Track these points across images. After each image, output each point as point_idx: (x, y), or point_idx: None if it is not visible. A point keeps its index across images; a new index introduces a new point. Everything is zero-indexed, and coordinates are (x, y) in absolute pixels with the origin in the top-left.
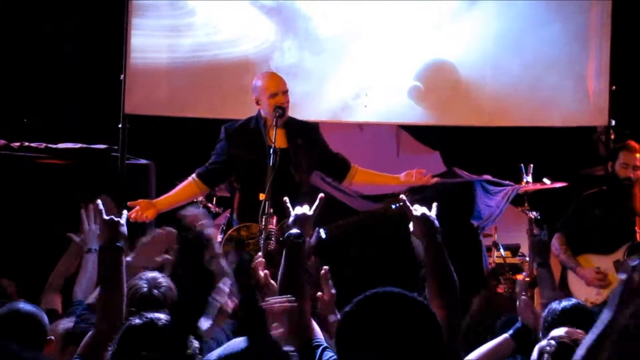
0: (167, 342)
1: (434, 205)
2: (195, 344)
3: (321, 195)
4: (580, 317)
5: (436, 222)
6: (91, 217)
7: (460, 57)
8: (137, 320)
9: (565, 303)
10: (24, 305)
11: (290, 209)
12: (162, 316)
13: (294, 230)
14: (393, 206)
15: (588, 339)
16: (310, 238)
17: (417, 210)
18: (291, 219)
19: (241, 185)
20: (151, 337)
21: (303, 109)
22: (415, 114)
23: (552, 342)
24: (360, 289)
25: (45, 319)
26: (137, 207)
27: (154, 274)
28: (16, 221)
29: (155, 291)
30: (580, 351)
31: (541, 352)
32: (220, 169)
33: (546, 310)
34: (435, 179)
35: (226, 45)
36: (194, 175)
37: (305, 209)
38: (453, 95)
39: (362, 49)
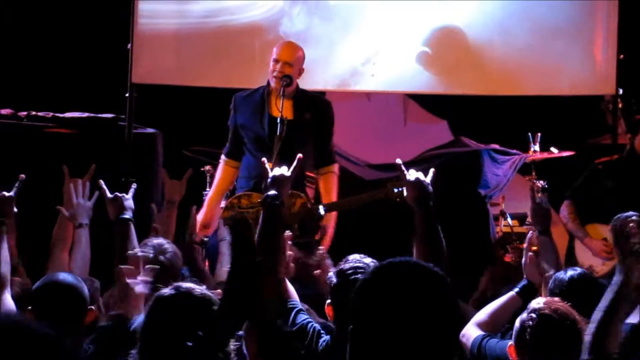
0: (199, 311)
1: (431, 170)
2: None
3: (299, 155)
4: (587, 286)
5: (429, 188)
6: (79, 191)
7: (468, 22)
8: (168, 291)
9: (571, 272)
10: (65, 276)
11: (269, 170)
12: (193, 286)
13: (272, 192)
14: (395, 190)
15: (598, 313)
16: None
17: (412, 174)
18: (269, 180)
19: (250, 154)
20: (183, 307)
21: (311, 76)
22: (423, 83)
23: (533, 315)
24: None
25: (85, 289)
26: (200, 222)
27: (160, 240)
28: (23, 191)
29: (162, 257)
30: (592, 325)
31: (523, 326)
32: (238, 140)
33: (552, 280)
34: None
35: (236, 11)
36: (223, 157)
37: (283, 170)
38: (461, 61)
39: (371, 15)
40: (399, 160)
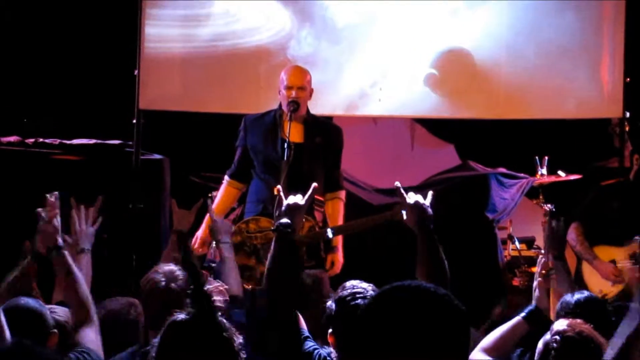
0: (214, 337)
1: (429, 193)
2: (240, 339)
3: (314, 184)
4: (593, 309)
5: (429, 210)
6: (82, 218)
7: (475, 44)
8: (182, 316)
9: (578, 296)
10: (26, 301)
11: (283, 198)
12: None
13: (284, 220)
14: (404, 212)
15: (618, 339)
16: (300, 227)
17: (411, 197)
18: (283, 208)
19: (259, 177)
20: (197, 332)
21: (319, 99)
22: (429, 107)
23: (557, 337)
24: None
25: (48, 313)
26: (197, 243)
27: (171, 267)
28: (31, 218)
29: (173, 285)
30: (612, 351)
31: (547, 348)
32: (246, 162)
33: (559, 303)
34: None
35: (244, 34)
36: (226, 177)
37: (297, 199)
38: (468, 83)
39: (378, 38)
40: (397, 184)
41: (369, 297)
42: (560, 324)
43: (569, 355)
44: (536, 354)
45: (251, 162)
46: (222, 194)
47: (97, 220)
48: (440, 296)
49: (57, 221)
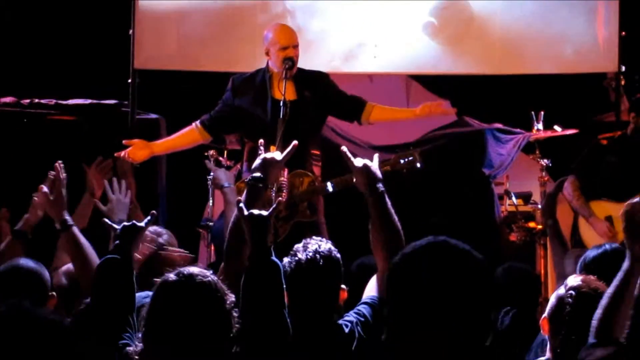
0: (205, 297)
1: (375, 155)
2: (232, 297)
3: (294, 143)
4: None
5: (378, 172)
6: (115, 186)
7: None
8: (172, 276)
9: (595, 252)
10: (25, 262)
11: (262, 152)
12: (197, 270)
13: (257, 174)
14: (402, 160)
15: (603, 301)
16: (274, 183)
17: (358, 162)
18: (258, 161)
19: (249, 138)
20: (188, 292)
21: (320, 48)
22: (425, 63)
23: (572, 292)
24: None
25: (47, 275)
26: (130, 147)
27: (153, 227)
28: (27, 179)
29: (160, 239)
30: (599, 310)
31: (560, 302)
32: (224, 118)
33: (581, 260)
34: (453, 109)
35: None
36: (197, 122)
37: (275, 154)
38: (466, 31)
39: None
40: (344, 148)
41: (315, 252)
42: (574, 280)
43: (583, 310)
44: (548, 308)
45: (229, 123)
46: (182, 133)
47: (129, 193)
48: (468, 253)
49: (64, 193)
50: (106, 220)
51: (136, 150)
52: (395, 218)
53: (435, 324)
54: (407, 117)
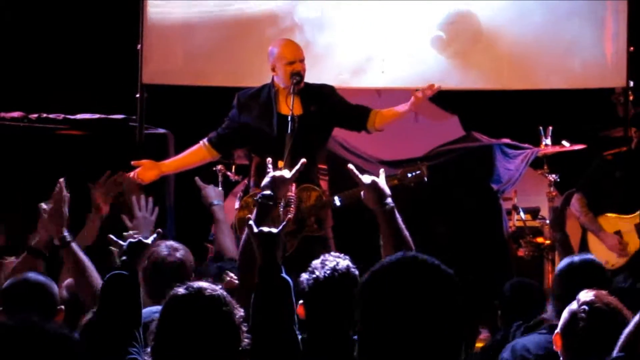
0: (214, 311)
1: (381, 171)
2: (241, 312)
3: (303, 160)
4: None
5: (386, 188)
6: (142, 204)
7: (482, 6)
8: (182, 290)
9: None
10: (34, 275)
11: (271, 170)
12: (206, 285)
13: (267, 192)
14: (409, 174)
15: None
16: (283, 201)
17: (366, 178)
18: (267, 179)
19: (256, 154)
20: (197, 306)
21: (327, 62)
22: (434, 78)
23: (585, 307)
24: (374, 255)
25: (56, 288)
26: (139, 168)
27: (170, 242)
28: (35, 194)
29: (177, 254)
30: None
31: (574, 317)
32: (231, 135)
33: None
34: (437, 85)
35: None
36: (204, 140)
37: (284, 172)
38: (474, 45)
39: (381, 9)
40: (350, 166)
41: (333, 270)
42: (587, 295)
43: (597, 326)
44: (561, 323)
45: (236, 140)
46: (190, 152)
47: (155, 210)
48: (439, 269)
49: (66, 210)
50: (111, 236)
51: (145, 171)
52: (406, 233)
53: (406, 339)
54: (402, 115)
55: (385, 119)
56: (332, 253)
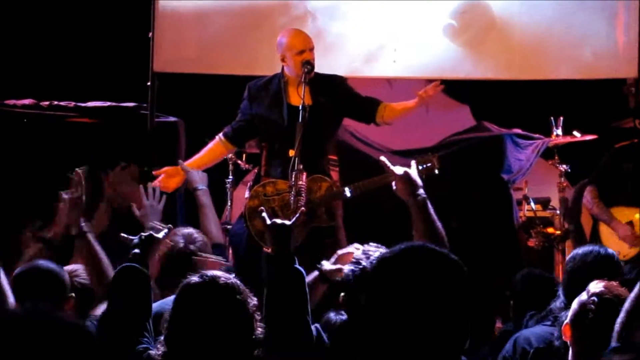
0: (228, 299)
1: (413, 162)
2: (254, 300)
3: (302, 208)
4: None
5: (418, 179)
6: (150, 192)
7: None
8: (196, 279)
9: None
10: (45, 263)
11: (267, 219)
12: (220, 273)
13: (280, 247)
14: (420, 167)
15: (627, 305)
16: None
17: (398, 169)
18: (269, 230)
19: (266, 143)
20: (211, 294)
21: (339, 50)
22: (445, 68)
23: (594, 298)
24: (385, 245)
25: (66, 276)
26: (162, 176)
27: (189, 230)
28: (46, 180)
29: (191, 246)
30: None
31: (583, 308)
32: (245, 127)
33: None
34: (440, 86)
35: None
36: (220, 135)
37: (283, 221)
38: (486, 34)
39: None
40: (382, 158)
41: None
42: (596, 286)
43: (606, 317)
44: (570, 314)
45: (251, 131)
46: (209, 148)
47: (163, 199)
48: (448, 258)
49: (83, 200)
50: (123, 234)
51: (167, 179)
52: (439, 224)
53: (412, 325)
54: (411, 109)
55: (394, 112)
56: (371, 243)
